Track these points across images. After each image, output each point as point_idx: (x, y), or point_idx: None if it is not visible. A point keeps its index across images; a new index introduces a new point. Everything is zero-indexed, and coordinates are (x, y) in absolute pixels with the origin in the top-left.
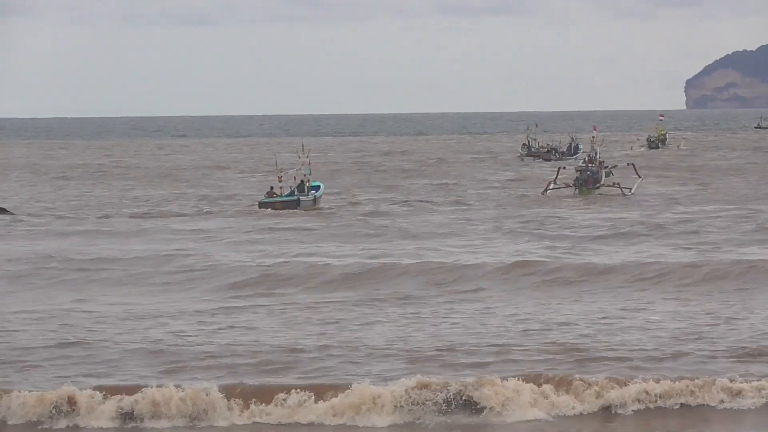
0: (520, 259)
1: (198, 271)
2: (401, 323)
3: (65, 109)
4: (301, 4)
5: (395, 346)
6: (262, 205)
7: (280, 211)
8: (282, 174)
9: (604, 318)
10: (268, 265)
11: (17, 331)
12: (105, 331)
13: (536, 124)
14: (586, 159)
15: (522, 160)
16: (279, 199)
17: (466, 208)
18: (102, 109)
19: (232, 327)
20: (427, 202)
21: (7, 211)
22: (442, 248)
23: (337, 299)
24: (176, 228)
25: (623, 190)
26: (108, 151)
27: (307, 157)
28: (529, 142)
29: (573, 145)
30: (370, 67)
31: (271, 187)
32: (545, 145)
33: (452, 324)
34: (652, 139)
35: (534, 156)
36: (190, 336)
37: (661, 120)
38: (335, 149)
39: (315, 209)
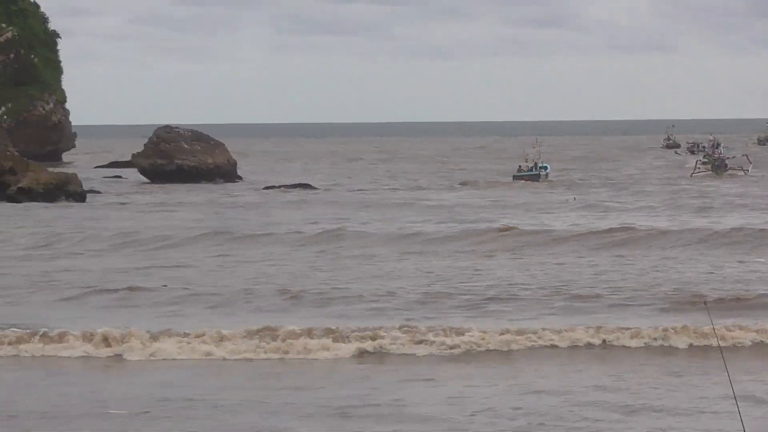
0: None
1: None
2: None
3: (364, 116)
4: (512, 43)
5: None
6: (515, 177)
7: (527, 182)
8: (527, 156)
9: None
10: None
11: None
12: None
13: (673, 125)
14: (716, 152)
15: (676, 153)
16: (526, 173)
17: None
18: (383, 116)
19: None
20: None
21: (311, 186)
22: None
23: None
24: (483, 194)
25: (744, 171)
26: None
27: (540, 146)
28: (668, 137)
29: (715, 143)
30: (559, 89)
31: (519, 166)
32: (690, 143)
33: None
34: (762, 139)
35: (672, 147)
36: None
37: (767, 125)
38: (554, 144)
39: (547, 181)
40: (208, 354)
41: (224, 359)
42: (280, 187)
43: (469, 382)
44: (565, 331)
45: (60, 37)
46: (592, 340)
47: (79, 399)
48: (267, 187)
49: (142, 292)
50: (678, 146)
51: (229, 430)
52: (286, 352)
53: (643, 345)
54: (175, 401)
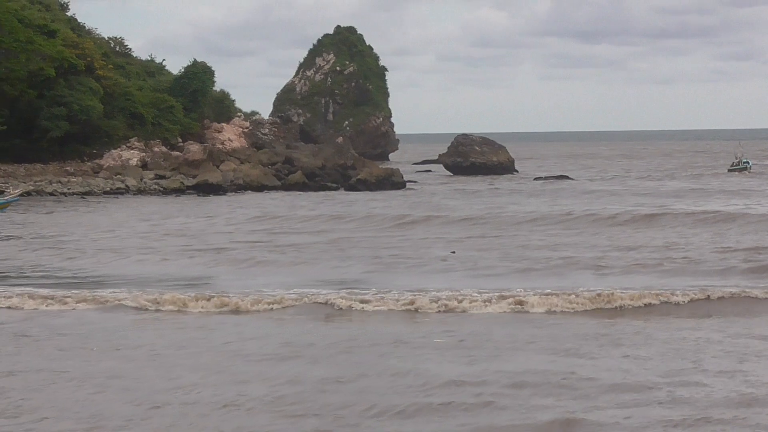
0: None
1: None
2: None
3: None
4: (717, 72)
5: None
6: (729, 170)
7: (739, 173)
8: (736, 155)
9: None
10: None
11: None
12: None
13: None
14: None
15: None
16: (737, 167)
17: None
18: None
19: None
20: None
21: (569, 177)
22: None
23: None
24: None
25: None
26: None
27: (742, 148)
28: None
29: None
30: (754, 105)
31: (732, 162)
32: None
33: None
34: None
35: None
36: None
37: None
38: (752, 146)
39: (751, 173)
40: None
41: None
42: (546, 178)
43: None
44: None
45: (387, 71)
46: None
47: None
48: (536, 178)
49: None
50: None
51: None
52: None
53: None
54: None
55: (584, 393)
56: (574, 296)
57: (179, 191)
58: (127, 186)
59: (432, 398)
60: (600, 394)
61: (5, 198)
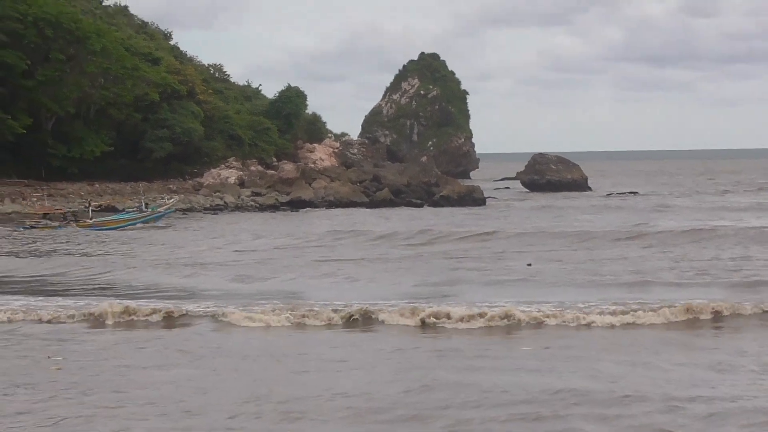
0: None
1: None
2: None
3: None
4: None
5: None
6: None
7: None
8: None
9: None
10: None
11: None
12: None
13: None
14: None
15: None
16: None
17: None
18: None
19: None
20: None
21: (637, 193)
22: None
23: None
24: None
25: None
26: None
27: None
28: None
29: None
30: None
31: None
32: None
33: None
34: None
35: None
36: None
37: None
38: None
39: None
40: None
41: None
42: (617, 194)
43: None
44: None
45: (468, 94)
46: None
47: None
48: (608, 194)
49: None
50: None
51: None
52: None
53: None
54: None
55: None
56: None
57: (274, 207)
58: (225, 203)
59: None
60: None
61: (164, 209)
